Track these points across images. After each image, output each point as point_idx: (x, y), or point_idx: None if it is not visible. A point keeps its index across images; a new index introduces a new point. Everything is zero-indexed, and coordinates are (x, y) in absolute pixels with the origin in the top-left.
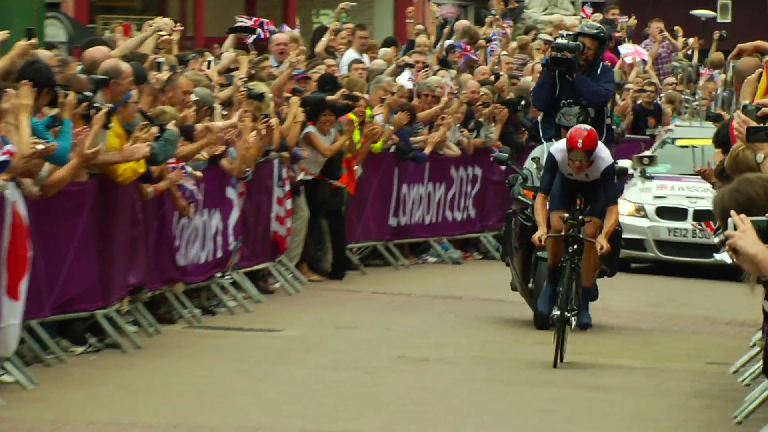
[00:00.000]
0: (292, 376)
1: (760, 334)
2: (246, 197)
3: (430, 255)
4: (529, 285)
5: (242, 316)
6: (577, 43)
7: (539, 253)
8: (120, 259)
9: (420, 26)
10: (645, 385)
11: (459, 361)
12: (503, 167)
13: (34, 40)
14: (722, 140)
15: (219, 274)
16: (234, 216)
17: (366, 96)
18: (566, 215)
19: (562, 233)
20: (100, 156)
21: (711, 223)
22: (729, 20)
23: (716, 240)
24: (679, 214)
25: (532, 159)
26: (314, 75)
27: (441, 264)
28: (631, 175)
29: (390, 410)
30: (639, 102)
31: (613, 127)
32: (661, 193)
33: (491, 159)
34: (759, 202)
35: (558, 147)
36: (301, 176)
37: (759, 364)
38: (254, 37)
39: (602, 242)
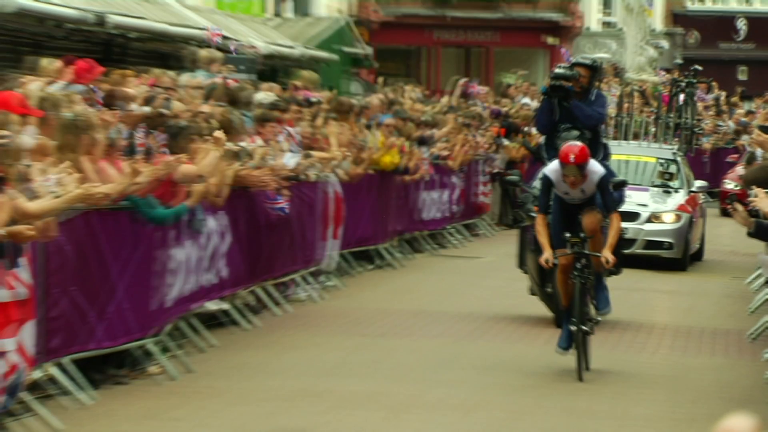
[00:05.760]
0: (490, 284)
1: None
2: (463, 180)
3: None
4: (548, 289)
5: (460, 249)
6: (573, 72)
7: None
8: (390, 216)
9: None
10: (694, 290)
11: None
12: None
13: (334, 92)
14: None
15: (448, 226)
16: (456, 193)
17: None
18: (568, 234)
19: (568, 252)
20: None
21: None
22: (746, 78)
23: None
24: None
25: (540, 179)
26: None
27: None
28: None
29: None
30: None
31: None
32: None
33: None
34: None
35: (552, 167)
36: (495, 170)
37: (763, 278)
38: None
39: (607, 256)
